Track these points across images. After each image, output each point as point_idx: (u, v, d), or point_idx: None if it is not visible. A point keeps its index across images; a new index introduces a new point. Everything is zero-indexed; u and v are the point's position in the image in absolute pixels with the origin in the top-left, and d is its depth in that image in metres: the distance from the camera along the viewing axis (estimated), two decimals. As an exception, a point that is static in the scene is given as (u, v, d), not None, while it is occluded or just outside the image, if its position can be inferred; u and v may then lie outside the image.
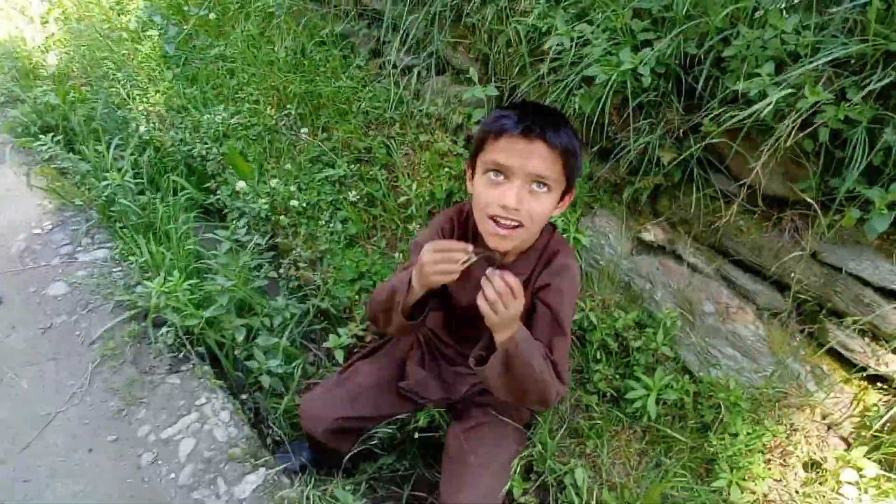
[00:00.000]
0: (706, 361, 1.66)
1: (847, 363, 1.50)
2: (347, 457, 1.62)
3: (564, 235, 1.81)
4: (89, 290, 2.05)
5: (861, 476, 1.43)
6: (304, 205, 2.22)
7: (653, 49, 1.48)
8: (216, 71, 2.94)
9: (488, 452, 1.38)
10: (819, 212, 1.38)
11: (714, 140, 1.43)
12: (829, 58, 1.21)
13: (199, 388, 1.79)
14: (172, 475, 1.58)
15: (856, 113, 1.21)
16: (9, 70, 3.31)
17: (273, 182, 2.24)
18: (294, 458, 1.68)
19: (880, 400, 1.46)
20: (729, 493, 1.46)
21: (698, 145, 1.49)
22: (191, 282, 1.87)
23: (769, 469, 1.50)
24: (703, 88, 1.47)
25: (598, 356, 1.73)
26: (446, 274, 1.03)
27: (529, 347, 1.08)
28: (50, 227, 2.34)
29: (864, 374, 1.46)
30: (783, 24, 1.27)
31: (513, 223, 1.07)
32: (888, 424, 1.45)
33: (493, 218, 1.07)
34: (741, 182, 1.49)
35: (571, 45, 1.64)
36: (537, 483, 1.53)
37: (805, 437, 1.53)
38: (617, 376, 1.70)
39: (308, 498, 1.50)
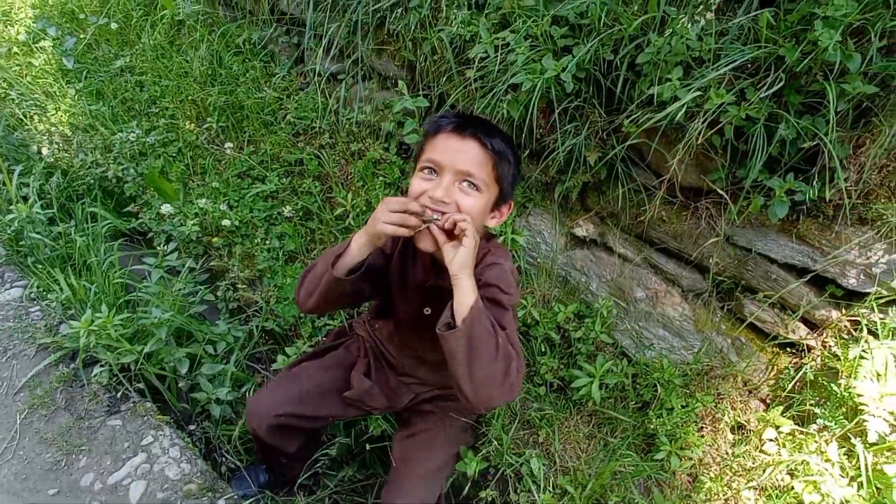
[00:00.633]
0: (641, 344, 1.79)
1: (762, 333, 1.68)
2: (305, 475, 1.60)
3: (501, 238, 1.87)
4: (6, 334, 1.89)
5: (779, 433, 1.61)
6: (237, 223, 2.15)
7: (573, 56, 1.55)
8: (124, 84, 2.75)
9: (426, 459, 1.44)
10: (729, 200, 1.52)
11: (634, 140, 1.54)
12: (730, 65, 1.34)
13: (143, 426, 1.71)
14: (125, 522, 1.51)
15: (755, 112, 1.34)
16: None
17: (202, 202, 2.14)
18: (252, 483, 1.66)
19: (790, 363, 1.65)
20: (669, 463, 1.60)
21: (621, 145, 1.59)
22: (121, 316, 1.76)
23: (702, 436, 1.65)
24: (621, 92, 1.56)
25: (543, 349, 1.82)
26: (397, 226, 1.04)
27: (488, 315, 1.04)
28: (-50, 270, 2.13)
29: (777, 342, 1.64)
30: (687, 33, 1.38)
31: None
32: (797, 384, 1.63)
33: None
34: (661, 177, 1.61)
35: (496, 53, 1.69)
36: (497, 477, 1.60)
37: (730, 403, 1.69)
38: (562, 367, 1.80)
39: (272, 522, 1.49)
